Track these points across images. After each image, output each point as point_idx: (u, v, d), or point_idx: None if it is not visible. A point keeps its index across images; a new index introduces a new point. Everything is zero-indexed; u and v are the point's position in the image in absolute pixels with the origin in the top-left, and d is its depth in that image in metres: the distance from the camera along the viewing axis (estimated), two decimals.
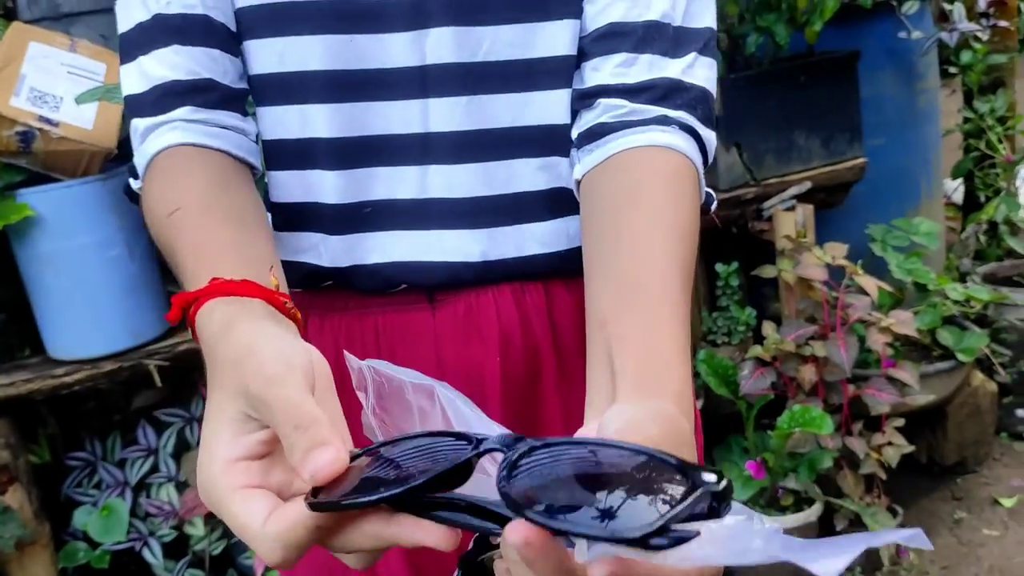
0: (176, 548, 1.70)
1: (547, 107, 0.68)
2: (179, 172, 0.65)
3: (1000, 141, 2.72)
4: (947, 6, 2.28)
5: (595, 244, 0.57)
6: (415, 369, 0.64)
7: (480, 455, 0.38)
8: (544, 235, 0.70)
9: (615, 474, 0.34)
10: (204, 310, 0.52)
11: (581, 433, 0.45)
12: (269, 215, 0.76)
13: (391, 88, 0.68)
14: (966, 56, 2.64)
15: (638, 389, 0.46)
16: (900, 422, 1.92)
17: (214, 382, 0.48)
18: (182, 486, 1.70)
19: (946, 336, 2.06)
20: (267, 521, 0.42)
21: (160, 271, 1.64)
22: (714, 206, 0.68)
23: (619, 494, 0.33)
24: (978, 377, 2.26)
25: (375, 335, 0.72)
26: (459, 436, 0.40)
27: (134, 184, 0.71)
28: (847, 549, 0.31)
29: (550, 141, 0.69)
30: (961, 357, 2.03)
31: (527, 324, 0.71)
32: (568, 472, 0.35)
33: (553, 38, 0.67)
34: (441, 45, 0.67)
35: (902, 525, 2.04)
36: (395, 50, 0.67)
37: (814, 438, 1.82)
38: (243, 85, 0.71)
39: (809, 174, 1.99)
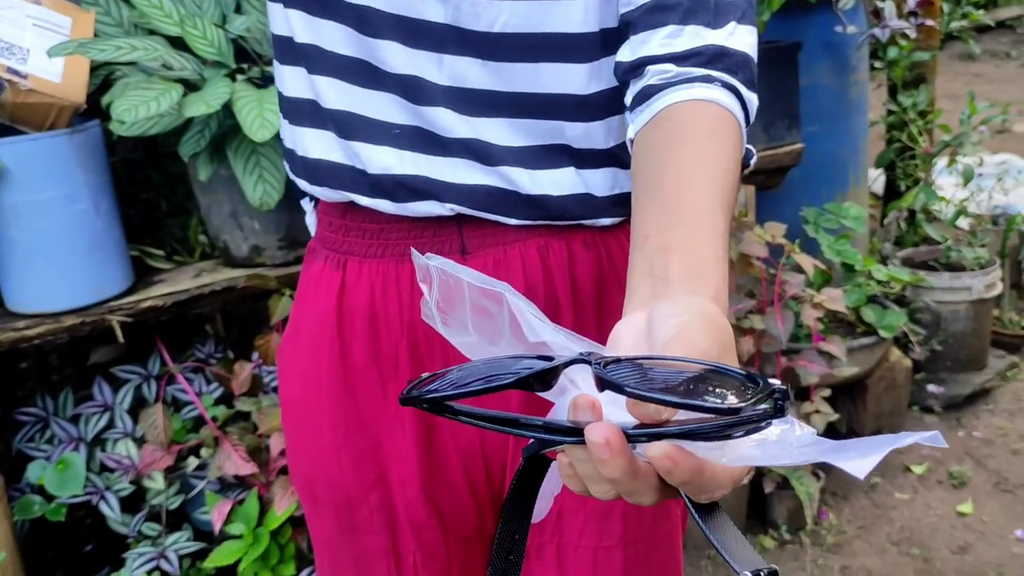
0: (132, 502, 1.72)
1: (555, 78, 0.75)
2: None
3: (920, 134, 2.89)
4: (880, 4, 2.42)
5: (642, 182, 0.63)
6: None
7: (567, 365, 0.45)
8: (559, 179, 0.77)
9: (692, 378, 0.41)
10: None
11: (622, 326, 0.51)
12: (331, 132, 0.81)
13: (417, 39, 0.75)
14: (892, 52, 2.80)
15: (682, 283, 0.51)
16: (827, 392, 2.05)
17: None
18: (139, 441, 1.71)
19: (869, 313, 2.20)
20: None
21: (123, 228, 1.65)
22: (753, 160, 0.73)
23: (701, 388, 0.40)
24: (895, 353, 2.42)
25: (409, 281, 0.78)
26: (543, 357, 0.46)
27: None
28: (875, 449, 0.39)
29: (559, 108, 0.76)
30: (883, 333, 2.18)
31: (549, 278, 0.78)
32: (652, 375, 0.42)
33: (565, 16, 0.74)
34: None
35: (824, 489, 2.18)
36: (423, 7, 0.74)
37: None
38: None
39: None
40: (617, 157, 0.82)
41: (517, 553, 0.53)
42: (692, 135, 0.64)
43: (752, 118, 0.70)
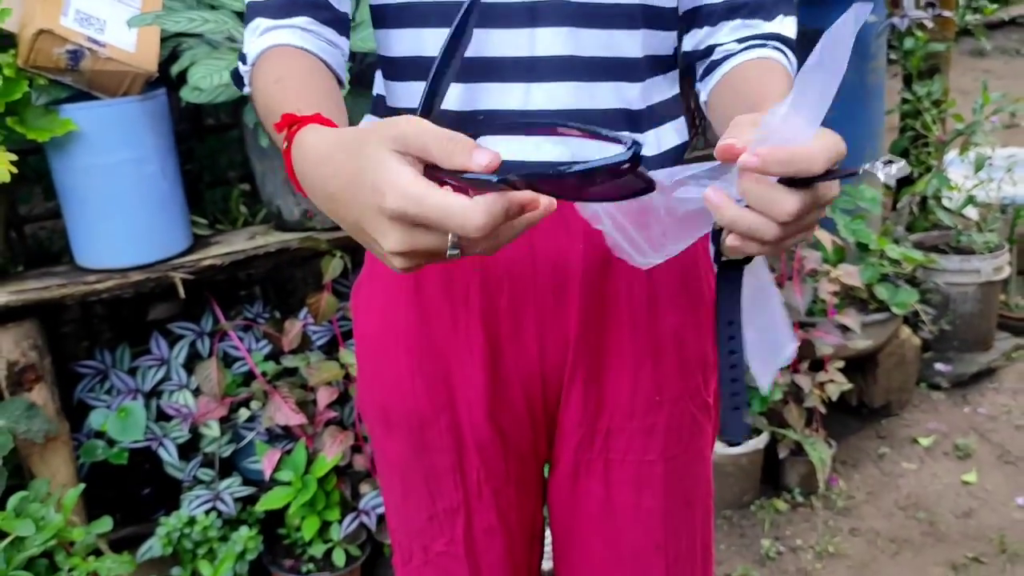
0: (185, 451, 1.83)
1: (623, 44, 0.86)
2: (291, 60, 0.81)
3: (934, 123, 2.98)
4: None
5: (728, 112, 0.77)
6: (512, 255, 0.83)
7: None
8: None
9: None
10: (310, 128, 0.66)
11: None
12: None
13: (505, 19, 0.85)
14: (908, 42, 2.88)
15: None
16: (840, 364, 2.16)
17: (353, 149, 0.59)
18: (195, 393, 1.82)
19: (882, 291, 2.30)
20: (471, 201, 0.54)
21: (187, 191, 1.75)
22: None
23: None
24: (905, 331, 2.52)
25: None
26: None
27: (242, 67, 0.86)
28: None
29: (623, 71, 0.87)
30: (895, 310, 2.28)
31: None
32: None
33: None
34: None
35: (835, 458, 2.29)
36: None
37: None
38: (346, 10, 0.88)
39: None
40: (660, 117, 0.92)
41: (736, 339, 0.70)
42: (760, 77, 0.81)
43: None
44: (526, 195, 0.57)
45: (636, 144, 0.53)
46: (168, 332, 1.89)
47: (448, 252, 0.58)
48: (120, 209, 1.62)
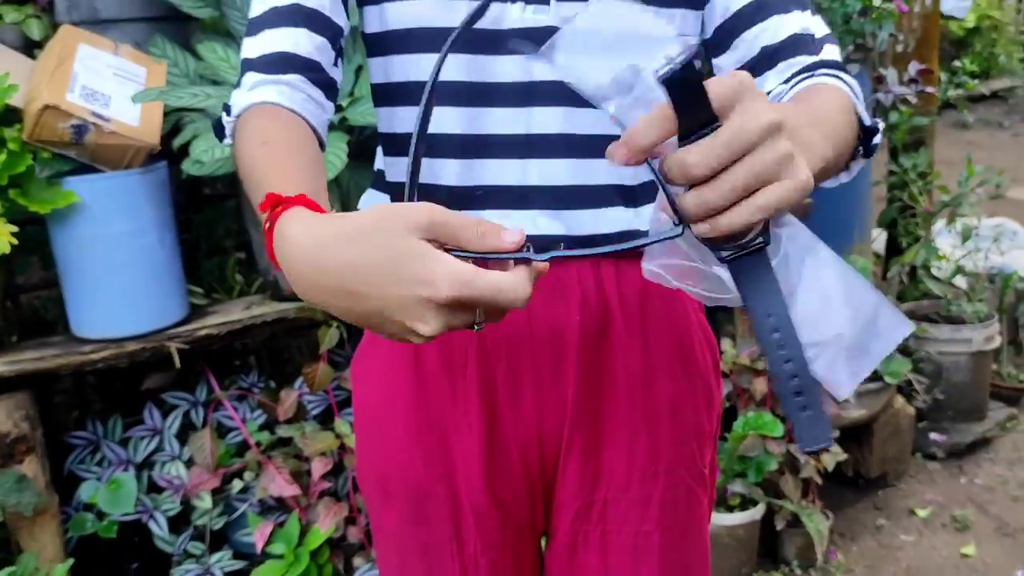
0: (176, 524, 1.80)
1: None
2: (279, 122, 0.81)
3: (921, 194, 3.03)
4: (883, 71, 2.58)
5: None
6: (510, 325, 0.84)
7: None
8: (613, 217, 0.89)
9: None
10: (292, 211, 0.64)
11: None
12: (388, 195, 0.94)
13: (504, 98, 0.87)
14: (893, 116, 2.95)
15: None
16: (835, 433, 2.15)
17: (373, 242, 0.57)
18: (186, 464, 1.80)
19: None
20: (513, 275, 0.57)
21: (184, 260, 1.77)
22: (879, 132, 0.83)
23: None
24: (899, 401, 2.52)
25: None
26: None
27: (225, 118, 0.86)
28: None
29: None
30: (888, 379, 2.29)
31: (601, 290, 0.90)
32: None
33: None
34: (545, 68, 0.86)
35: (832, 529, 2.27)
36: (505, 68, 0.86)
37: (762, 444, 2.04)
38: (336, 77, 0.89)
39: None
40: (650, 193, 0.94)
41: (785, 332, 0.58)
42: (808, 98, 0.78)
43: (859, 94, 0.83)
44: (545, 265, 0.60)
45: (683, 225, 0.56)
46: (162, 402, 1.88)
47: (476, 325, 0.60)
48: (118, 279, 1.64)
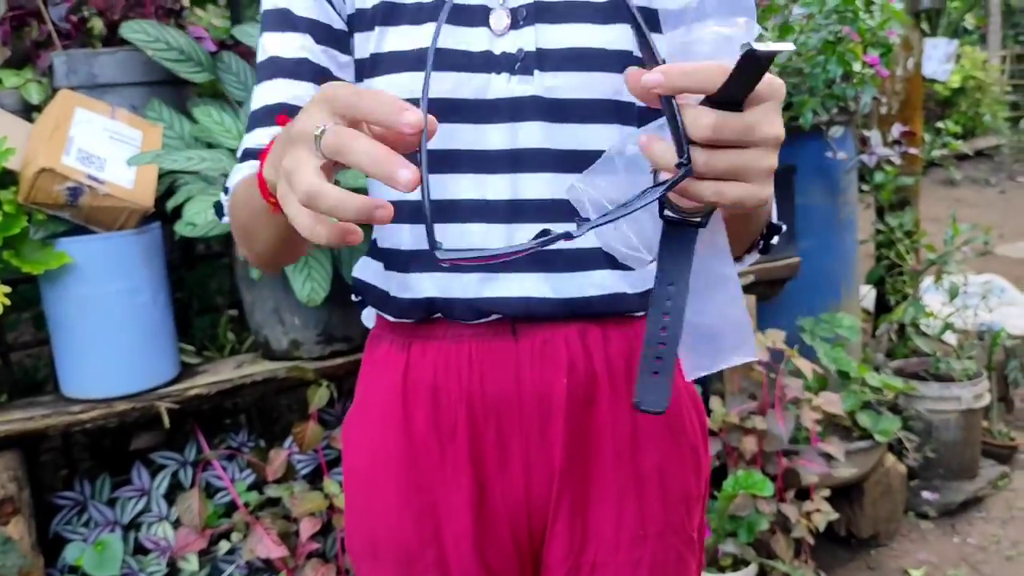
0: None
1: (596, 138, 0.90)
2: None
3: (908, 252, 3.07)
4: (866, 133, 2.64)
5: None
6: (498, 388, 0.85)
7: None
8: (600, 280, 0.91)
9: None
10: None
11: None
12: (380, 263, 0.96)
13: (488, 165, 0.89)
14: (879, 176, 3.01)
15: None
16: (826, 492, 2.15)
17: (297, 126, 0.61)
18: (175, 524, 1.79)
19: (865, 418, 2.32)
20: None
21: (176, 318, 1.78)
22: (776, 236, 0.87)
23: None
24: (890, 459, 2.52)
25: (468, 359, 0.91)
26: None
27: (223, 198, 0.92)
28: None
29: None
30: (878, 438, 2.29)
31: (588, 355, 0.91)
32: None
33: (609, 138, 0.90)
34: (530, 137, 0.89)
35: None
36: (493, 136, 0.89)
37: (753, 503, 2.04)
38: None
39: (751, 268, 2.26)
40: None
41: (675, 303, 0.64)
42: None
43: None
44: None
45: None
46: (150, 462, 1.87)
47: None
48: (110, 339, 1.64)
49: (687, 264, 0.64)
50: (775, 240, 0.87)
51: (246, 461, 1.88)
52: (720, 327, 0.68)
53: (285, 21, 0.91)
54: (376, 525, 0.98)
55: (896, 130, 2.75)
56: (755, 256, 0.88)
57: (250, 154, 0.91)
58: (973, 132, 8.38)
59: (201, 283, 2.25)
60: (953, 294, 2.90)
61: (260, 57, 0.94)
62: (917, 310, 2.92)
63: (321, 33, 0.91)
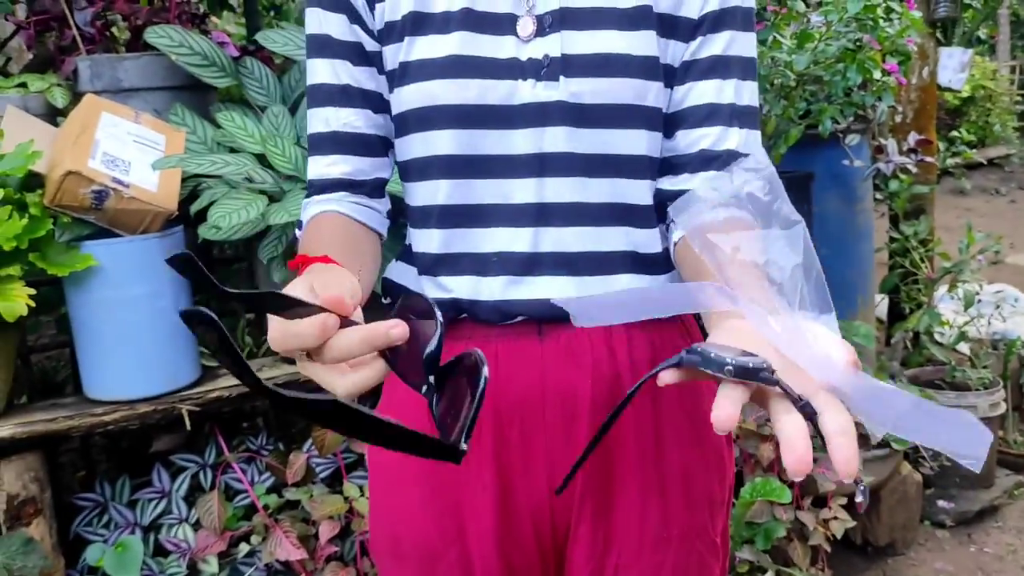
0: None
1: (630, 192, 0.91)
2: (328, 220, 0.94)
3: (922, 261, 3.07)
4: (883, 141, 2.64)
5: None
6: (523, 388, 0.86)
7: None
8: (624, 284, 0.92)
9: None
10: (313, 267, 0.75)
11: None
12: (414, 267, 0.97)
13: (516, 169, 0.90)
14: (894, 185, 3.01)
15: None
16: (843, 500, 2.15)
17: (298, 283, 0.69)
18: (195, 526, 1.80)
19: None
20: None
21: None
22: None
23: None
24: (906, 467, 2.52)
25: (495, 360, 0.91)
26: None
27: (298, 233, 0.97)
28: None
29: (631, 216, 0.92)
30: (895, 446, 2.29)
31: (612, 356, 0.91)
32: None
33: (636, 142, 0.91)
34: (556, 141, 0.89)
35: None
36: (519, 141, 0.90)
37: (770, 510, 2.03)
38: (383, 175, 0.99)
39: None
40: (669, 263, 0.96)
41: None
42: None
43: None
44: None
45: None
46: (170, 463, 1.88)
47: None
48: (133, 341, 1.65)
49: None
50: None
51: (265, 464, 1.88)
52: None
53: (326, 47, 0.94)
54: (400, 523, 0.99)
55: (912, 138, 2.75)
56: None
57: (315, 186, 0.97)
58: (983, 141, 8.38)
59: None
60: (968, 303, 2.89)
61: (309, 80, 0.97)
62: (932, 318, 2.92)
63: (358, 56, 0.94)
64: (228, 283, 2.18)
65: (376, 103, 0.96)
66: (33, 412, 1.69)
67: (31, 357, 2.00)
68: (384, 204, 1.01)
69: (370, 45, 0.94)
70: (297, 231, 0.98)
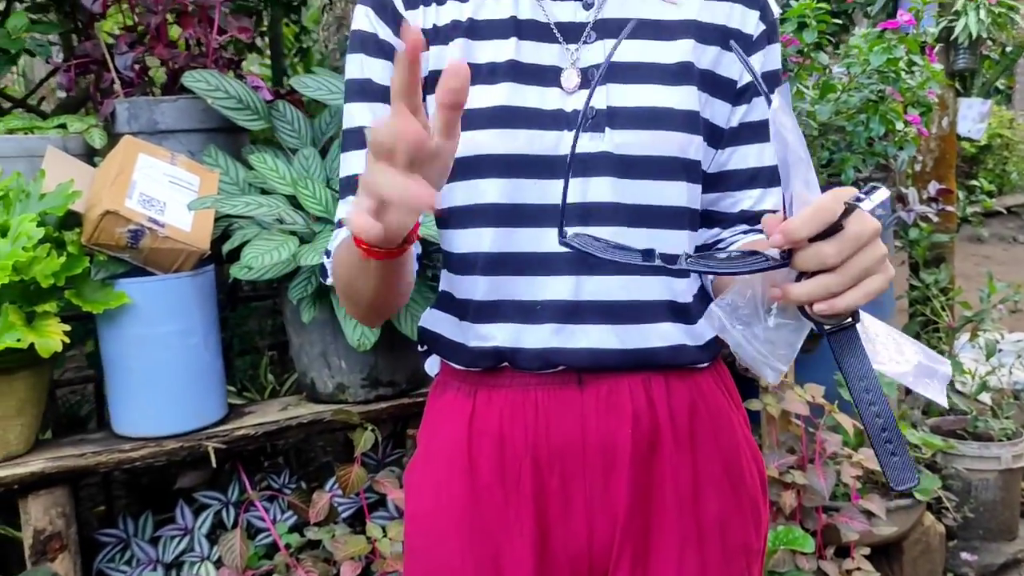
0: None
1: (670, 242, 0.93)
2: None
3: (943, 309, 3.07)
4: (903, 190, 2.66)
5: None
6: (563, 437, 0.87)
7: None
8: (663, 332, 0.93)
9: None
10: None
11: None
12: (451, 315, 0.98)
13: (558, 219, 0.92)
14: (914, 233, 3.01)
15: None
16: (866, 551, 2.13)
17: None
18: (217, 564, 1.80)
19: None
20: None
21: (225, 361, 1.81)
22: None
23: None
24: (929, 518, 2.49)
25: (535, 408, 0.92)
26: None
27: (325, 260, 0.98)
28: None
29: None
30: (918, 496, 2.27)
31: (652, 406, 0.92)
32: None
33: (677, 194, 0.92)
34: (600, 191, 0.91)
35: None
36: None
37: (792, 560, 2.02)
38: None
39: None
40: (698, 312, 0.98)
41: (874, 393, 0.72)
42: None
43: None
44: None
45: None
46: (192, 500, 1.89)
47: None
48: (163, 378, 1.67)
49: (863, 356, 0.74)
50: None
51: (287, 502, 1.89)
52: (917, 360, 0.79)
53: (366, 91, 0.97)
54: (437, 570, 0.99)
55: (933, 187, 2.77)
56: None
57: (343, 226, 0.97)
58: (1000, 190, 8.37)
59: (241, 324, 2.29)
60: (990, 352, 2.88)
61: (346, 124, 0.99)
62: (954, 367, 2.90)
63: None
64: (250, 320, 2.20)
65: None
66: (61, 447, 1.71)
67: (56, 391, 2.03)
68: (415, 247, 1.01)
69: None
70: (324, 259, 0.98)
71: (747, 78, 0.96)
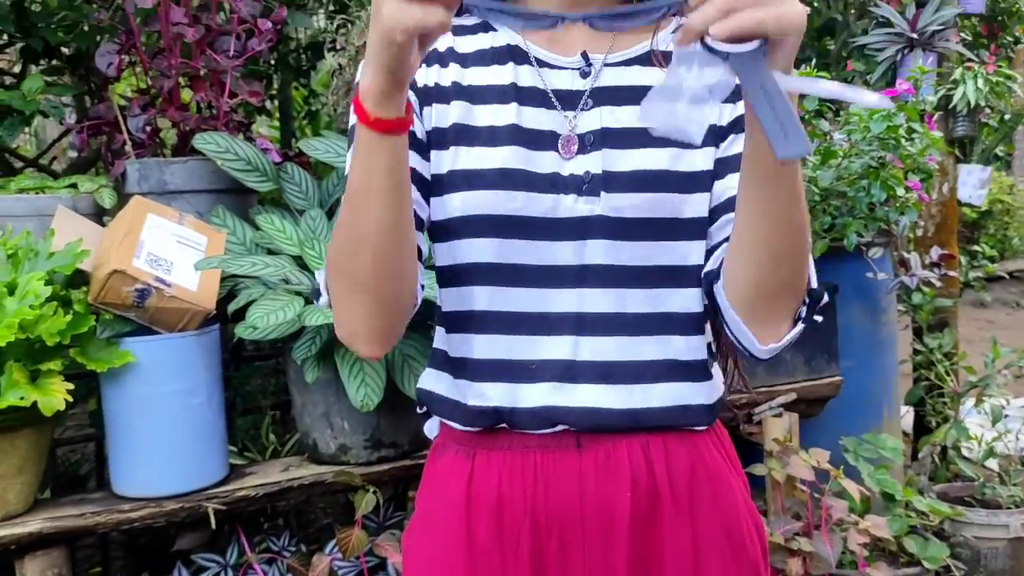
0: None
1: (669, 301, 0.94)
2: None
3: (948, 374, 3.06)
4: (905, 254, 2.67)
5: None
6: (562, 501, 0.87)
7: None
8: (662, 392, 0.93)
9: None
10: None
11: None
12: (448, 374, 0.98)
13: (555, 280, 0.93)
14: (917, 297, 3.02)
15: None
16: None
17: None
18: None
19: (912, 544, 2.27)
20: None
21: (227, 421, 1.80)
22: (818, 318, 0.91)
23: None
24: None
25: (533, 471, 0.92)
26: None
27: (318, 275, 0.94)
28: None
29: (669, 324, 0.94)
30: (927, 564, 2.23)
31: (651, 469, 0.92)
32: None
33: (675, 253, 0.94)
34: (596, 253, 0.93)
35: None
36: (560, 252, 0.93)
37: None
38: (422, 215, 0.97)
39: (794, 386, 2.26)
40: (707, 371, 0.98)
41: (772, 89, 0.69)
42: None
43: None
44: None
45: None
46: (190, 562, 1.86)
47: None
48: (165, 438, 1.66)
49: (769, 74, 0.69)
50: (817, 316, 0.91)
51: (287, 565, 1.86)
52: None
53: None
54: None
55: (935, 253, 2.78)
56: (798, 330, 0.90)
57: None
58: (1002, 255, 8.41)
59: (244, 384, 2.28)
60: (996, 418, 2.86)
61: (352, 121, 0.97)
62: (959, 433, 2.88)
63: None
64: (251, 380, 2.20)
65: (417, 181, 0.95)
66: (61, 507, 1.69)
67: (56, 450, 2.02)
68: (422, 240, 0.96)
69: (420, 133, 0.96)
70: (317, 274, 0.95)
71: (726, 119, 0.95)
